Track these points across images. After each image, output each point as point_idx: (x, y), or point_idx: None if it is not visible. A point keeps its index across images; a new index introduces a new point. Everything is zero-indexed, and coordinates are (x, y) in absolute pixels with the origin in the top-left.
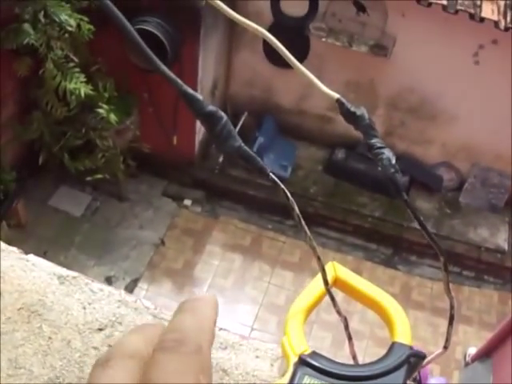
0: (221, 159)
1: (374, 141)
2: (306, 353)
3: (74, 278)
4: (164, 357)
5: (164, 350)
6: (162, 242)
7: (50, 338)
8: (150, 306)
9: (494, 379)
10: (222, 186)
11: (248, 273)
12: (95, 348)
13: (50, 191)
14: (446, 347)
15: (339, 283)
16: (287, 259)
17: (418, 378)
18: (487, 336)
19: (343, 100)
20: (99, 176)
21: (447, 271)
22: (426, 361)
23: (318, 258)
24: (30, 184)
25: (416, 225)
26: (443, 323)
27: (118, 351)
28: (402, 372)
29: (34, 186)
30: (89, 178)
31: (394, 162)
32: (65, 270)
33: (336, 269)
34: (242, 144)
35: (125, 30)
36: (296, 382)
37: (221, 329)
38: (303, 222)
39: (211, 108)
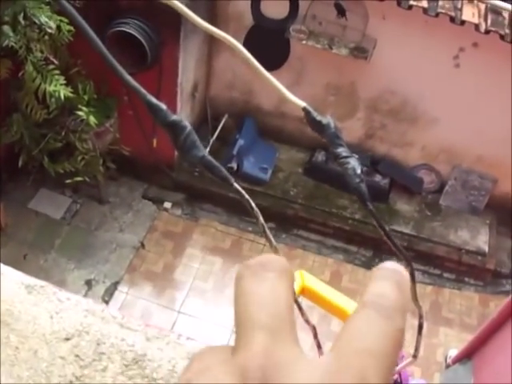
0: None
1: (339, 150)
2: None
3: (42, 287)
4: (372, 314)
5: (374, 310)
6: (142, 245)
7: (17, 347)
8: (117, 315)
9: (474, 381)
10: (202, 188)
11: (228, 275)
12: (62, 358)
13: (29, 194)
14: (415, 356)
15: (307, 292)
16: None
17: (398, 380)
18: (468, 338)
19: (309, 108)
20: (79, 179)
21: (414, 281)
22: (399, 366)
23: None
24: (9, 187)
25: (396, 227)
26: (423, 325)
27: (272, 265)
28: None
29: (13, 189)
30: (68, 181)
31: (359, 171)
32: (33, 279)
33: (303, 278)
34: (206, 154)
35: (87, 37)
36: None
37: (188, 338)
38: (268, 232)
39: (175, 118)
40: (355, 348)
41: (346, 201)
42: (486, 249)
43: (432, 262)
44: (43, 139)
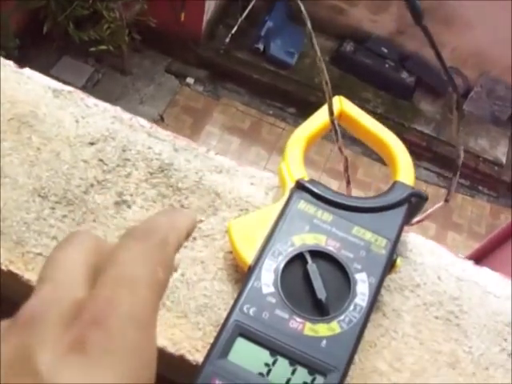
0: (227, 40)
1: None
2: (305, 179)
3: (70, 92)
4: (130, 241)
5: (131, 236)
6: (162, 119)
7: (38, 148)
8: (145, 124)
9: None
10: (226, 67)
11: (244, 156)
12: (85, 161)
13: (52, 61)
14: (447, 200)
15: (344, 118)
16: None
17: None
18: (474, 246)
19: None
20: (103, 47)
21: (460, 110)
22: (426, 213)
23: (326, 83)
24: (32, 52)
25: (417, 126)
26: (433, 227)
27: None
28: (402, 210)
29: (36, 55)
30: (92, 49)
31: None
32: (60, 84)
33: (342, 103)
34: None
35: None
36: (291, 205)
37: (217, 153)
38: (314, 40)
39: None
40: (108, 276)
41: (369, 94)
42: (504, 160)
43: (448, 166)
44: (70, 6)
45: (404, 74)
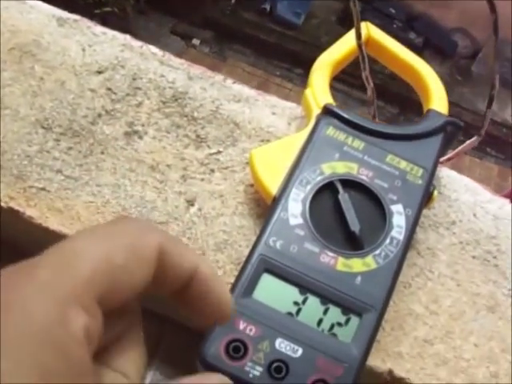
0: (233, 0)
1: None
2: (333, 104)
3: (76, 21)
4: (104, 223)
5: (111, 221)
6: None
7: (41, 78)
8: (157, 52)
9: None
10: (233, 27)
11: None
12: (92, 90)
13: None
14: (480, 134)
15: (372, 44)
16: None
17: None
18: None
19: None
20: (108, 9)
21: (496, 33)
22: (458, 149)
23: (354, 3)
24: None
25: None
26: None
27: None
28: (438, 138)
29: None
30: (97, 11)
31: None
32: (66, 12)
33: (370, 29)
34: None
35: None
36: (318, 132)
37: (234, 82)
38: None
39: None
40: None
41: None
42: None
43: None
44: None
45: (412, 35)
